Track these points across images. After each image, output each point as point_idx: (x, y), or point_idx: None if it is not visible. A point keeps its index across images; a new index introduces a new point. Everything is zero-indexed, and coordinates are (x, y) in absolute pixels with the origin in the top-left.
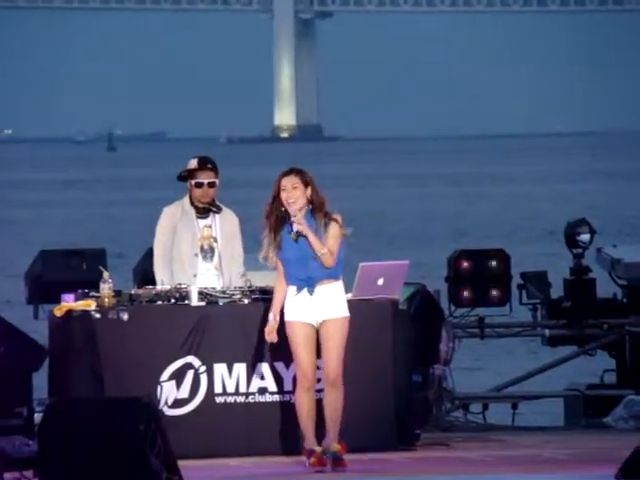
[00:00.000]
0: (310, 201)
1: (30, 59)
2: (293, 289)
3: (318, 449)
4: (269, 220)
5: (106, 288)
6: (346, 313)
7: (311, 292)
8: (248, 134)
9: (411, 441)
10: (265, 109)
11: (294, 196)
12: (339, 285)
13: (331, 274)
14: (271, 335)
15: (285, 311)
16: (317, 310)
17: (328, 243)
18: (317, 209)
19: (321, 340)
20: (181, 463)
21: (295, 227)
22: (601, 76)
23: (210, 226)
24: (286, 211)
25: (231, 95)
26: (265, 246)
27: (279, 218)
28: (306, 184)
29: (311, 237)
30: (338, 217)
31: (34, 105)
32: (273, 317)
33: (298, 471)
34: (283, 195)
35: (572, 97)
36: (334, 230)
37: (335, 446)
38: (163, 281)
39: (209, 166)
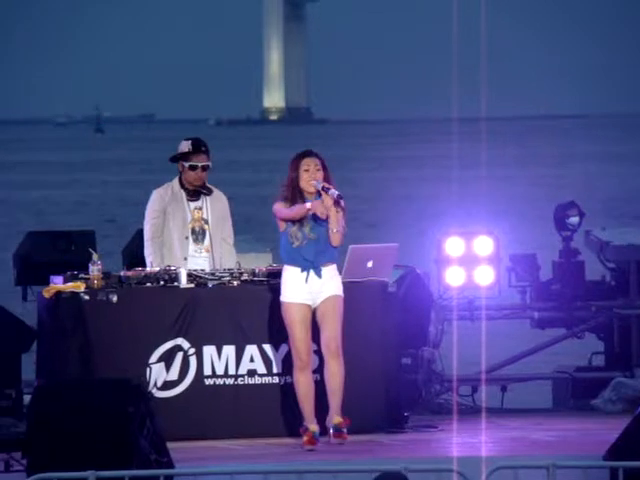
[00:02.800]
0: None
1: (8, 40)
2: (296, 270)
3: (312, 428)
4: (292, 203)
5: (95, 270)
6: (342, 293)
7: (318, 274)
8: (237, 116)
9: (400, 423)
10: (254, 91)
11: (318, 178)
12: (335, 267)
13: (332, 257)
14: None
15: (283, 292)
16: (316, 292)
17: (339, 224)
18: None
19: (320, 316)
20: (170, 445)
21: (325, 186)
22: None
23: (201, 208)
24: (302, 192)
25: (220, 77)
26: (294, 226)
27: (300, 199)
28: (323, 168)
29: (333, 212)
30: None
31: (12, 87)
32: (308, 206)
33: (285, 452)
34: (305, 176)
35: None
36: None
37: (337, 418)
38: (152, 264)
39: (203, 149)
